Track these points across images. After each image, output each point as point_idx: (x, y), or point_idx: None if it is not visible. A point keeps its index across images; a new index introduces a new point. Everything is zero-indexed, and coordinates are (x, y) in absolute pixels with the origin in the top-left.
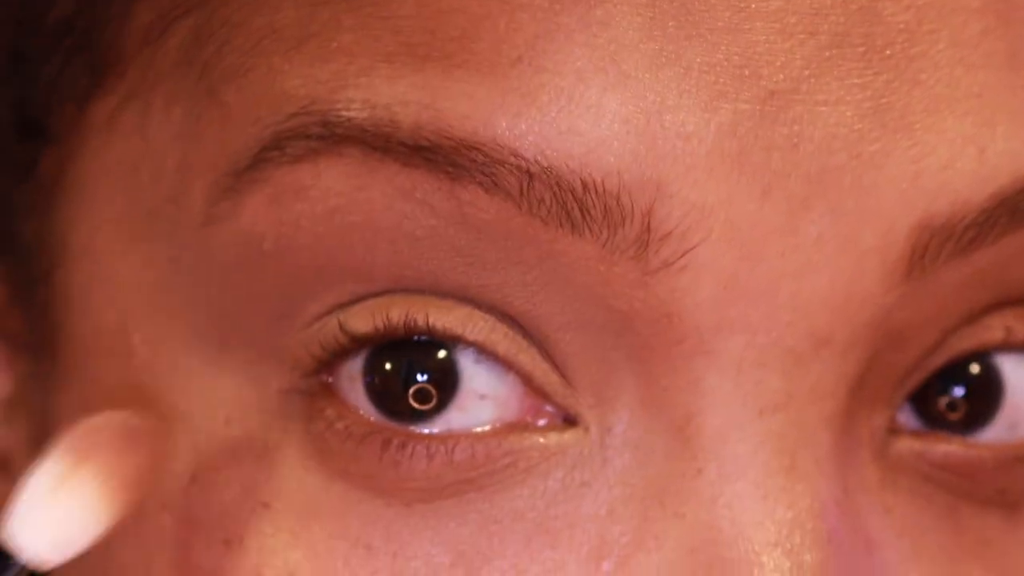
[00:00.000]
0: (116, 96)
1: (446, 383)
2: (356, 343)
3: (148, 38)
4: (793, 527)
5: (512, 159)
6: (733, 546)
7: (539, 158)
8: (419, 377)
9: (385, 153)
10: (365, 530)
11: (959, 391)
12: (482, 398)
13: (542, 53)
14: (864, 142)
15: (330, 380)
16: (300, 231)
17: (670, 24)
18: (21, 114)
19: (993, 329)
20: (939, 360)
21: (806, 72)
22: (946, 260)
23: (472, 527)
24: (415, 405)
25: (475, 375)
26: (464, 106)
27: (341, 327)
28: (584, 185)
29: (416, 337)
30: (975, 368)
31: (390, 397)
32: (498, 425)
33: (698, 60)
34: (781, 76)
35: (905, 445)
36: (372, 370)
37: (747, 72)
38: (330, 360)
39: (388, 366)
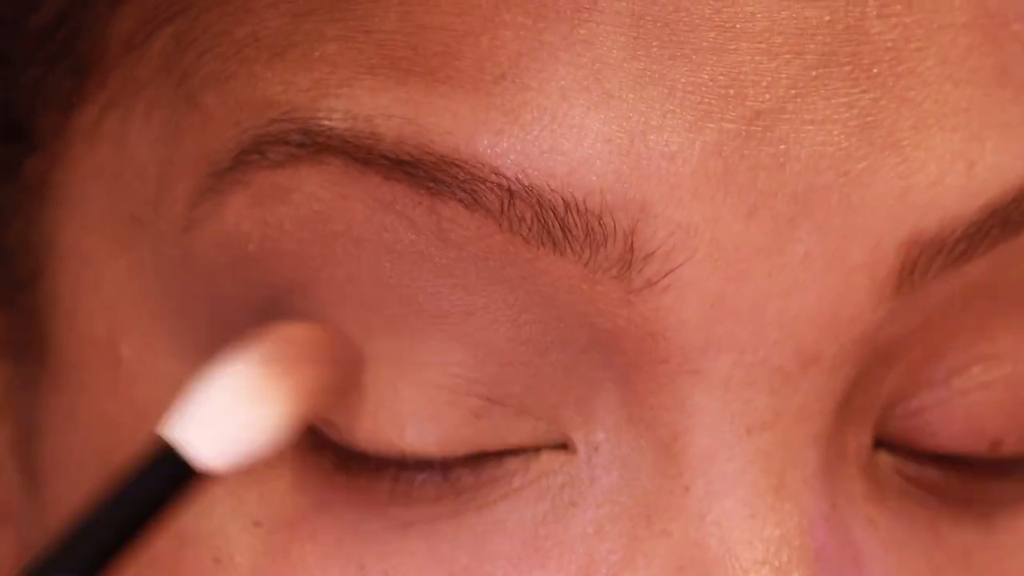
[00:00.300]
0: (99, 102)
1: None
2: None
3: (130, 44)
4: (781, 545)
5: (493, 176)
6: (721, 564)
7: (520, 176)
8: None
9: (366, 165)
10: (358, 549)
11: None
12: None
13: (525, 71)
14: (851, 160)
15: None
16: (284, 235)
17: (654, 44)
18: (4, 117)
19: (982, 439)
20: (928, 442)
21: (792, 92)
22: (936, 274)
23: (464, 547)
24: None
25: None
26: (446, 122)
27: (334, 426)
28: (566, 204)
29: None
30: None
31: None
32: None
33: (682, 80)
34: (767, 96)
35: (886, 462)
36: None
37: (732, 92)
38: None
39: None
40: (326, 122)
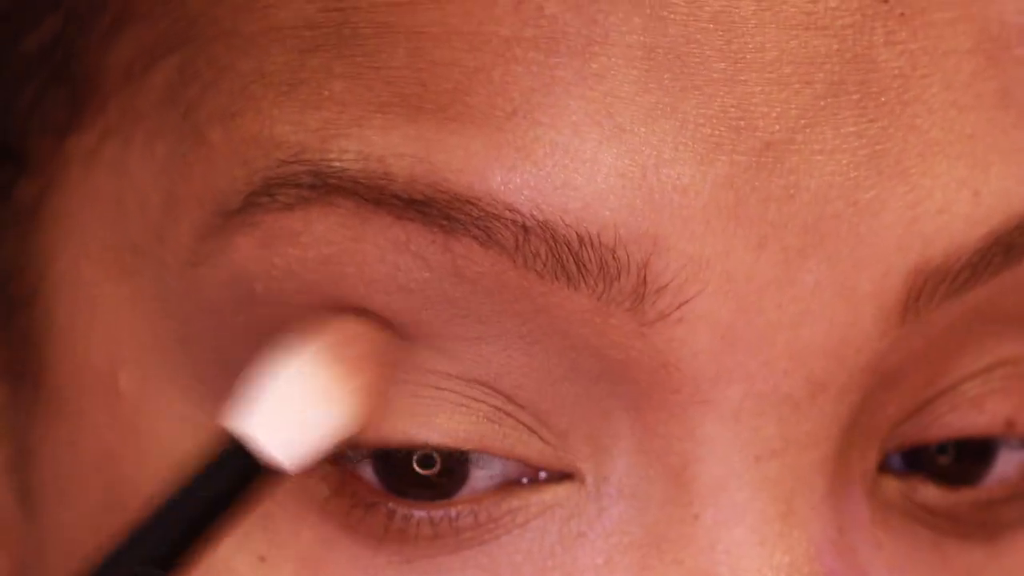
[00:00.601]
0: (96, 130)
1: (451, 457)
2: (354, 445)
3: (130, 74)
4: (791, 572)
5: (507, 213)
6: None
7: (535, 212)
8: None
9: (378, 205)
10: None
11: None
12: (486, 471)
13: (537, 106)
14: (860, 190)
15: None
16: (293, 277)
17: (665, 76)
18: None
19: (996, 418)
20: (938, 432)
21: (802, 122)
22: (940, 302)
23: None
24: (419, 470)
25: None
26: (459, 160)
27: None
28: (580, 239)
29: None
30: None
31: (394, 464)
32: (500, 483)
33: (693, 112)
34: (777, 127)
35: (892, 485)
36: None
37: (743, 124)
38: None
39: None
40: (337, 163)
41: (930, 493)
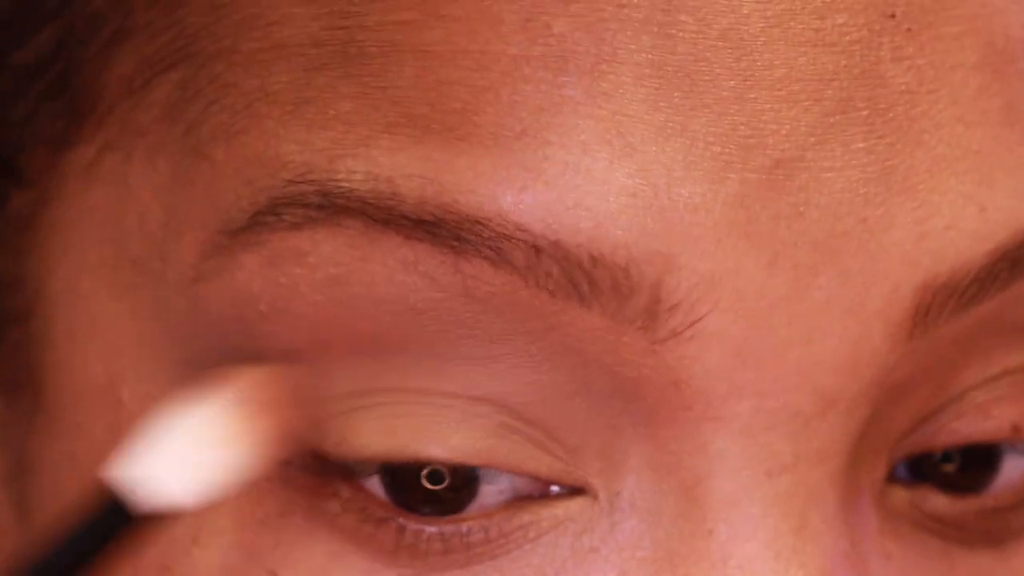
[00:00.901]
0: (95, 144)
1: (460, 473)
2: (362, 461)
3: (130, 88)
4: None
5: (519, 233)
6: None
7: (547, 232)
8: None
9: (387, 225)
10: None
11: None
12: (496, 486)
13: (547, 126)
14: (869, 206)
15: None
16: (299, 296)
17: (675, 95)
18: None
19: (1002, 423)
20: (945, 439)
21: (811, 139)
22: (947, 317)
23: None
24: (427, 486)
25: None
26: (469, 180)
27: (346, 441)
28: (592, 259)
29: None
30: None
31: (402, 480)
32: (511, 498)
33: (704, 131)
34: (787, 144)
35: (900, 495)
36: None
37: (753, 141)
38: (338, 461)
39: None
40: (345, 184)
41: (937, 502)
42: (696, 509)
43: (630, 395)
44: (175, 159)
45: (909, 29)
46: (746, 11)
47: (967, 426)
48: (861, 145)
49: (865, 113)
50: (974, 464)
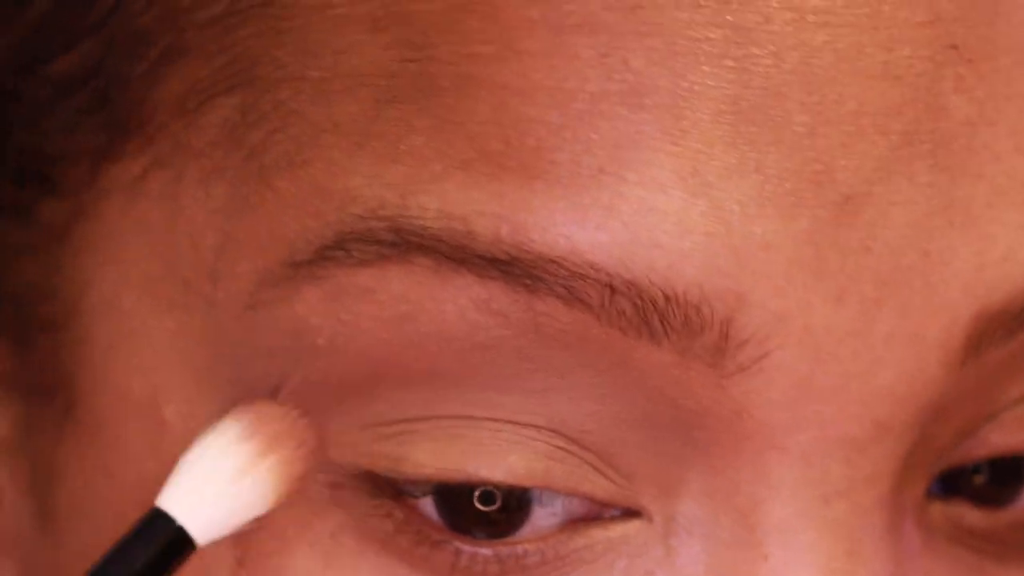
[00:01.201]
0: (142, 160)
1: (513, 495)
2: (415, 482)
3: (182, 109)
4: None
5: (593, 272)
6: None
7: (621, 271)
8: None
9: (459, 264)
10: None
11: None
12: (549, 508)
13: (624, 164)
14: (932, 239)
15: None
16: (362, 333)
17: (751, 130)
18: (18, 160)
19: None
20: (982, 451)
21: (879, 173)
22: (997, 342)
23: None
24: (480, 507)
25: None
26: (544, 219)
27: (399, 464)
28: (666, 297)
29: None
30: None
31: (455, 502)
32: (564, 520)
33: (776, 167)
34: (856, 179)
35: (937, 510)
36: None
37: (824, 177)
38: (391, 483)
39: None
40: (418, 221)
41: (972, 516)
42: (752, 534)
43: (692, 425)
44: (234, 184)
45: (970, 60)
46: (817, 44)
47: (1004, 438)
48: (925, 179)
49: (929, 146)
50: (1003, 476)
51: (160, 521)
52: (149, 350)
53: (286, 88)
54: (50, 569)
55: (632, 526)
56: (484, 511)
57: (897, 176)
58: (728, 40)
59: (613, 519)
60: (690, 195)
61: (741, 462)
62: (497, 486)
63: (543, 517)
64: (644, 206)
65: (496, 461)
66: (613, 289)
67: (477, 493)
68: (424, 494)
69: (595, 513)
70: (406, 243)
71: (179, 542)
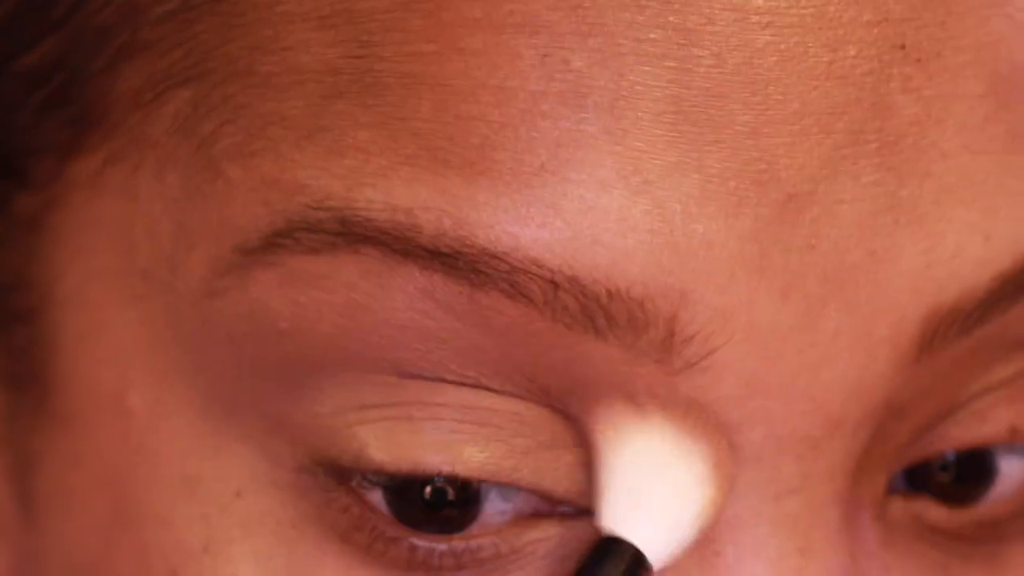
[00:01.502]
0: (102, 153)
1: (466, 495)
2: (379, 472)
3: (139, 102)
4: None
5: (536, 268)
6: None
7: (564, 268)
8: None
9: (405, 256)
10: None
11: (951, 455)
12: (500, 506)
13: (565, 162)
14: (878, 238)
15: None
16: (321, 318)
17: (692, 130)
18: None
19: (999, 426)
20: (942, 446)
21: (823, 172)
22: (951, 341)
23: None
24: (430, 503)
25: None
26: (487, 215)
27: (362, 453)
28: (609, 294)
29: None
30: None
31: (406, 497)
32: (516, 516)
33: (718, 166)
34: (799, 178)
35: (898, 506)
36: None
37: (767, 176)
38: (349, 474)
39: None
40: (364, 213)
41: (936, 513)
42: (705, 532)
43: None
44: (186, 173)
45: (918, 59)
46: (760, 45)
47: (965, 432)
48: (871, 177)
49: (875, 145)
50: (970, 475)
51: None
52: (116, 340)
53: (236, 82)
54: (33, 556)
55: (583, 523)
56: (435, 507)
57: (842, 175)
58: (670, 41)
59: (565, 516)
60: (632, 193)
61: None
62: (456, 478)
63: (493, 515)
64: (586, 204)
65: (456, 453)
66: (556, 285)
67: (428, 490)
68: (373, 486)
69: (548, 510)
70: (353, 234)
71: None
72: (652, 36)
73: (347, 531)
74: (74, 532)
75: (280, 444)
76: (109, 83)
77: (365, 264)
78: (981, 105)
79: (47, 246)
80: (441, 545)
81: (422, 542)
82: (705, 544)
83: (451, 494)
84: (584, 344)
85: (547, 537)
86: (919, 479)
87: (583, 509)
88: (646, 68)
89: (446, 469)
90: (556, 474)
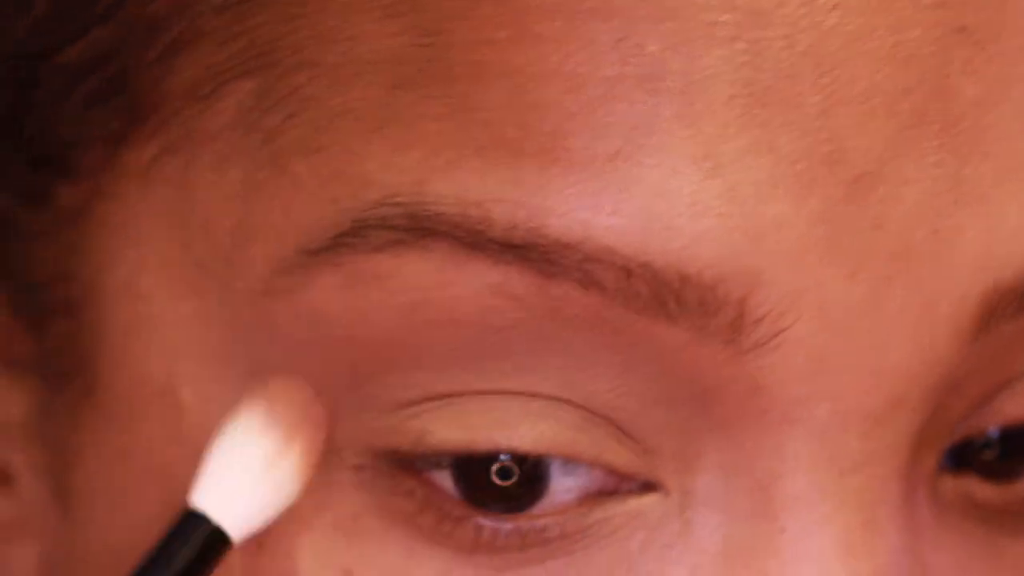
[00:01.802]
0: (156, 144)
1: (530, 469)
2: (440, 455)
3: (196, 93)
4: None
5: (608, 256)
6: None
7: (637, 255)
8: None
9: (474, 249)
10: None
11: (994, 432)
12: (567, 482)
13: (639, 148)
14: (942, 217)
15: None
16: (376, 321)
17: (763, 113)
18: (36, 144)
19: None
20: (993, 420)
21: (889, 153)
22: (1008, 318)
23: None
24: (497, 482)
25: (559, 467)
26: (560, 204)
27: (423, 438)
28: (682, 278)
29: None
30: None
31: (474, 476)
32: (582, 495)
33: (788, 148)
34: (867, 159)
35: (948, 484)
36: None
37: (835, 157)
38: (413, 460)
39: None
40: (434, 207)
41: (983, 490)
42: (769, 507)
43: (709, 400)
44: (248, 169)
45: (978, 41)
46: (828, 26)
47: (1017, 407)
48: (934, 158)
49: (937, 126)
50: (1015, 451)
51: (194, 521)
52: (167, 334)
53: (302, 73)
54: (69, 552)
55: (649, 500)
56: (502, 485)
57: (907, 156)
58: (741, 23)
59: (630, 492)
60: (704, 177)
61: (758, 436)
62: (523, 454)
63: (560, 493)
64: (659, 189)
65: (520, 431)
66: (629, 272)
67: (495, 467)
68: (444, 467)
69: (611, 488)
70: (421, 229)
71: (215, 541)
72: (723, 19)
73: (411, 514)
74: (120, 526)
75: (339, 442)
76: (162, 74)
77: (432, 260)
78: None
79: (93, 237)
80: (507, 524)
81: (488, 521)
82: (769, 520)
83: (516, 472)
84: (653, 329)
85: (612, 517)
86: (963, 456)
87: (649, 485)
88: (718, 51)
89: (518, 446)
90: (620, 449)
